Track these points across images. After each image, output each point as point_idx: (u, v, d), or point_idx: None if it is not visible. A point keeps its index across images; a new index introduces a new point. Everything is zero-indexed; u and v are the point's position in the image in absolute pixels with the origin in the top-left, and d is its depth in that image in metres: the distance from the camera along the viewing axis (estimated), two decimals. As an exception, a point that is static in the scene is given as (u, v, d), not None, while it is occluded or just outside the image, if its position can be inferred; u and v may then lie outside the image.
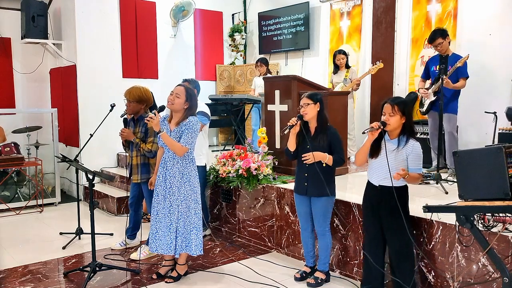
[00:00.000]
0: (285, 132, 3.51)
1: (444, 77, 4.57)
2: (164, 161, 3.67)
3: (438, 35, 4.83)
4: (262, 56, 8.24)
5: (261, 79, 7.03)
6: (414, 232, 3.26)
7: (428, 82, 5.19)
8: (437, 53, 5.03)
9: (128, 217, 4.60)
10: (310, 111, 3.48)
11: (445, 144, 5.00)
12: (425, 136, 5.43)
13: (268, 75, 6.99)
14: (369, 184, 3.28)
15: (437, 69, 4.91)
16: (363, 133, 3.12)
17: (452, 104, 4.94)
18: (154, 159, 4.19)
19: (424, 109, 5.08)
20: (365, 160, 3.26)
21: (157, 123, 3.53)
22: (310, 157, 3.42)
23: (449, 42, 4.92)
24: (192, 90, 3.75)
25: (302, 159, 3.47)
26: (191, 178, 3.66)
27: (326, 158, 3.43)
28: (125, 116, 4.29)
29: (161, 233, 3.66)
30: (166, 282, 3.73)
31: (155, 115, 3.56)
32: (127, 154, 4.38)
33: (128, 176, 4.36)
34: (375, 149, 3.17)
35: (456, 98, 4.96)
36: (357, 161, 3.31)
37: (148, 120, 3.54)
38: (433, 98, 4.90)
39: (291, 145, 3.57)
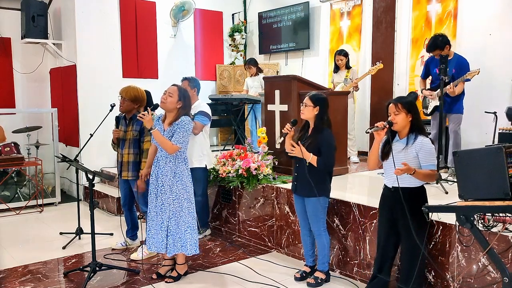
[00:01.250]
0: (280, 141, 3.57)
1: (450, 85, 4.55)
2: (157, 159, 3.68)
3: (436, 47, 4.78)
4: (261, 56, 8.27)
5: (252, 80, 7.07)
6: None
7: (428, 81, 5.18)
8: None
9: (124, 218, 4.60)
10: (307, 113, 3.51)
11: (450, 143, 4.98)
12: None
13: (260, 74, 7.01)
14: (384, 186, 3.24)
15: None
16: (367, 132, 3.10)
17: (458, 105, 4.92)
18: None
19: (429, 111, 5.06)
20: (376, 163, 3.22)
21: (148, 120, 3.53)
22: (296, 149, 3.42)
23: (450, 47, 4.86)
24: (185, 90, 3.76)
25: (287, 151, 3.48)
26: (183, 178, 3.66)
27: (309, 158, 3.41)
28: (117, 115, 4.29)
29: (154, 231, 3.69)
30: (166, 282, 3.73)
31: (148, 112, 3.57)
32: (117, 152, 4.42)
33: (118, 173, 4.37)
34: (385, 151, 3.14)
35: (461, 98, 4.94)
36: (369, 165, 3.29)
37: (141, 117, 3.55)
38: (438, 103, 4.85)
39: (288, 149, 3.57)
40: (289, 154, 3.50)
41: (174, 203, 3.63)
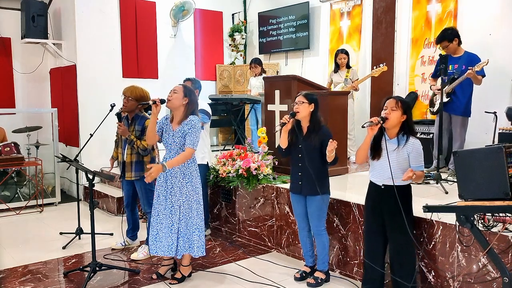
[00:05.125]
0: (277, 129, 3.56)
1: (471, 69, 4.50)
2: (165, 161, 3.65)
3: (444, 39, 4.80)
4: (261, 56, 8.26)
5: (256, 79, 7.06)
6: (415, 232, 3.25)
7: (439, 80, 5.16)
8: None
9: (126, 219, 4.61)
10: (303, 110, 3.48)
11: (454, 147, 4.94)
12: (425, 136, 5.43)
13: (263, 74, 7.00)
14: (371, 184, 3.27)
15: (450, 69, 4.85)
16: (363, 126, 3.11)
17: (466, 106, 4.88)
18: (148, 156, 4.21)
19: (435, 109, 5.01)
20: (365, 158, 3.24)
21: (157, 170, 3.40)
22: (333, 146, 3.27)
23: (459, 42, 4.85)
24: (190, 88, 3.74)
25: (327, 151, 3.33)
26: (193, 179, 3.64)
27: (333, 153, 3.33)
28: (119, 112, 4.28)
29: (162, 235, 3.63)
30: (170, 284, 3.71)
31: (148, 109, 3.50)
32: (116, 150, 4.45)
33: (120, 174, 4.35)
34: (376, 150, 3.15)
35: (470, 99, 4.91)
36: (357, 159, 3.30)
37: (149, 175, 3.40)
38: (445, 100, 4.82)
39: (283, 142, 3.58)
40: (328, 157, 3.35)
41: (184, 205, 3.60)
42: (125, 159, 4.24)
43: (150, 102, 3.56)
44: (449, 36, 4.80)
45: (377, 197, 3.21)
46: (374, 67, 6.04)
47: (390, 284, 3.32)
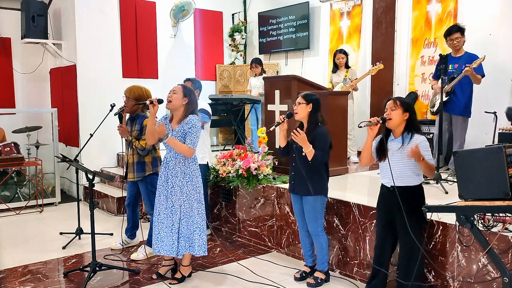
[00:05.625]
0: (271, 129, 3.59)
1: (470, 65, 4.54)
2: (166, 161, 3.65)
3: (457, 29, 4.83)
4: (261, 56, 8.26)
5: (256, 79, 7.06)
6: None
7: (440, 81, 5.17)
8: (448, 52, 5.00)
9: (126, 218, 4.61)
10: (301, 111, 3.50)
11: (454, 147, 4.94)
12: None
13: (264, 74, 7.00)
14: (382, 186, 3.25)
15: (450, 68, 4.87)
16: (359, 126, 3.10)
17: (468, 107, 4.90)
18: (149, 157, 4.20)
19: (435, 109, 5.02)
20: (369, 160, 3.23)
21: (161, 130, 3.42)
22: (302, 135, 3.33)
23: (464, 42, 4.90)
24: (190, 88, 3.74)
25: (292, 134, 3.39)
26: (194, 178, 3.63)
27: (308, 149, 3.36)
28: (120, 113, 4.28)
29: (163, 234, 3.63)
30: (170, 284, 3.70)
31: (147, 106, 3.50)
32: (125, 153, 4.42)
33: (124, 175, 4.36)
34: (381, 151, 3.14)
35: (470, 99, 4.92)
36: (361, 162, 3.30)
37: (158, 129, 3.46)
38: (444, 98, 4.83)
39: (281, 141, 3.62)
40: (293, 139, 3.39)
41: (184, 204, 3.60)
42: (128, 160, 4.24)
43: (147, 102, 3.55)
44: (460, 28, 4.84)
45: (387, 198, 3.17)
46: (371, 66, 6.05)
47: (391, 284, 3.32)
